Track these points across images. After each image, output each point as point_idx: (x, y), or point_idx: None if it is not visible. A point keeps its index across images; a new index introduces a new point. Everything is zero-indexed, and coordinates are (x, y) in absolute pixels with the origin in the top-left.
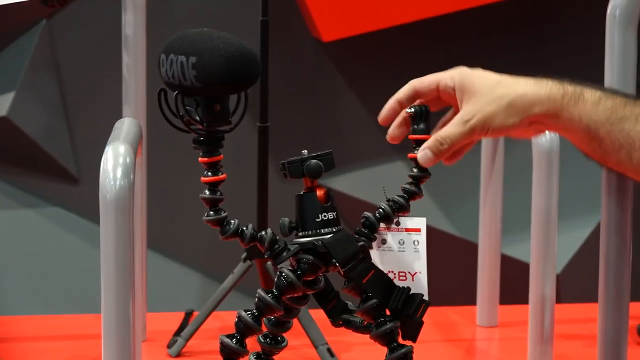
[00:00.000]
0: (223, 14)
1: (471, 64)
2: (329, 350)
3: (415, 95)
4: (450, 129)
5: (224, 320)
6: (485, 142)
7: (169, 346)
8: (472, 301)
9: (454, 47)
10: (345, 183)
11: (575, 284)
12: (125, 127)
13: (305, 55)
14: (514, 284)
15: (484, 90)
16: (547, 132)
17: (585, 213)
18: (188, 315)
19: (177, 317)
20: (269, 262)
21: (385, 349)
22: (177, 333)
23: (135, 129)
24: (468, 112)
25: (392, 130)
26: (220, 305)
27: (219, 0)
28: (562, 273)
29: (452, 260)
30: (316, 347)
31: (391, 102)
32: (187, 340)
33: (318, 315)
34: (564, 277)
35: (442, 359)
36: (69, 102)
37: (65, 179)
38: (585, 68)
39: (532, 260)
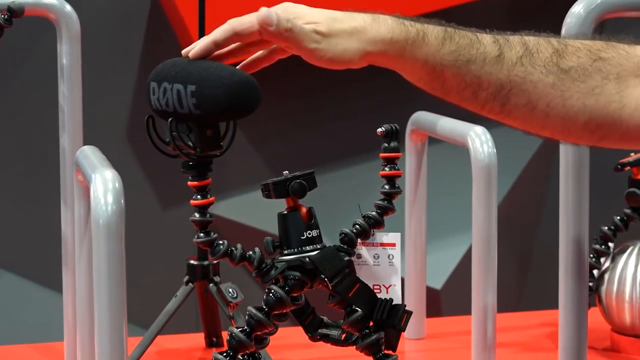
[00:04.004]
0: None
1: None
2: None
3: (234, 36)
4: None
5: (159, 345)
6: (410, 162)
7: None
8: None
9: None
10: (225, 208)
11: (456, 297)
12: (93, 155)
13: None
14: None
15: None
16: (484, 146)
17: (461, 231)
18: None
19: None
20: (211, 285)
21: None
22: None
23: (103, 156)
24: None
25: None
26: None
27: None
28: (443, 288)
29: None
30: None
31: (207, 42)
32: None
33: (294, 332)
34: (444, 292)
35: None
36: None
37: None
38: None
39: (473, 271)
